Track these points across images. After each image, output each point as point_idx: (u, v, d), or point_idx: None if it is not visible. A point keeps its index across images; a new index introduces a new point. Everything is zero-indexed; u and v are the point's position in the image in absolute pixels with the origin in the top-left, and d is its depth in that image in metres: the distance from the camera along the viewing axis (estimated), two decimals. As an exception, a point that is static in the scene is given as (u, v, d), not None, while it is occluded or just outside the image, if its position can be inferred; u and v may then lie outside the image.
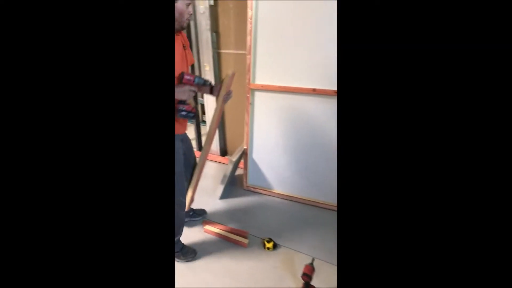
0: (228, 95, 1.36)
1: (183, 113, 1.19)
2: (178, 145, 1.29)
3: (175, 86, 1.14)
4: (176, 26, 1.08)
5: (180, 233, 1.44)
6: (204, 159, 1.50)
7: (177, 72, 1.13)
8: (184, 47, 1.17)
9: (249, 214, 1.82)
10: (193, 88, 1.16)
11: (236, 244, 1.57)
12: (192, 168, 1.53)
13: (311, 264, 1.29)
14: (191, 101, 1.37)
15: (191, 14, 1.09)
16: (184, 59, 1.17)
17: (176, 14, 1.05)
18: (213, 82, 1.37)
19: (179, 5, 1.05)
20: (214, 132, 1.44)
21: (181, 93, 1.14)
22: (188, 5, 1.06)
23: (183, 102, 1.19)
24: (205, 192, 2.02)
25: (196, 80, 1.20)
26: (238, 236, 1.58)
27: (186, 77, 1.16)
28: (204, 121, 2.88)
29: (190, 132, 1.36)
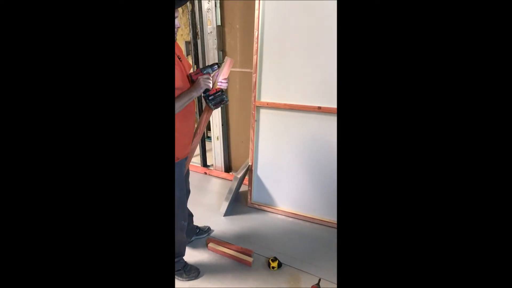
0: (223, 83, 1.26)
1: (211, 97, 1.21)
2: (182, 169, 1.30)
3: (191, 87, 1.15)
4: None
5: (182, 254, 1.43)
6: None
7: (176, 84, 1.12)
8: (179, 58, 1.17)
9: (254, 232, 1.79)
10: (206, 76, 1.17)
11: (241, 263, 1.54)
12: (189, 192, 1.53)
13: (318, 284, 1.26)
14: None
15: (178, 27, 1.09)
16: (182, 70, 1.17)
17: None
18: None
19: None
20: (206, 121, 1.38)
21: (199, 85, 1.15)
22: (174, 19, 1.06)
23: (206, 92, 1.20)
24: (209, 208, 2.00)
25: (203, 70, 1.20)
26: (242, 255, 1.56)
27: (194, 73, 1.17)
28: (209, 137, 2.90)
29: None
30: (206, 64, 2.19)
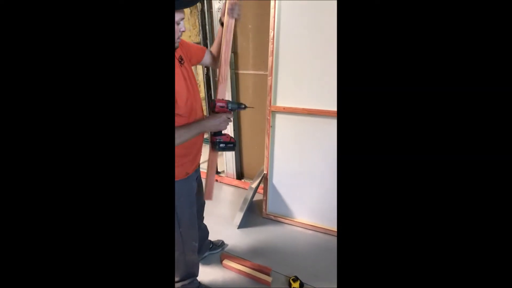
0: (233, 9, 1.03)
1: (222, 145, 1.07)
2: (193, 185, 1.19)
3: (208, 117, 1.03)
4: None
5: (196, 274, 1.32)
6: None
7: (181, 95, 0.96)
8: (180, 60, 1.02)
9: (271, 246, 1.67)
10: (229, 116, 1.04)
11: (258, 282, 1.42)
12: (203, 205, 1.41)
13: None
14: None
15: (183, 31, 0.93)
16: (186, 79, 1.01)
17: None
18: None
19: None
20: (215, 162, 1.20)
21: (217, 125, 1.02)
22: (178, 22, 0.91)
23: (219, 133, 1.07)
24: (222, 219, 1.89)
25: (230, 106, 1.05)
26: (260, 273, 1.44)
27: (219, 104, 1.03)
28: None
29: (205, 153, 1.20)
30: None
